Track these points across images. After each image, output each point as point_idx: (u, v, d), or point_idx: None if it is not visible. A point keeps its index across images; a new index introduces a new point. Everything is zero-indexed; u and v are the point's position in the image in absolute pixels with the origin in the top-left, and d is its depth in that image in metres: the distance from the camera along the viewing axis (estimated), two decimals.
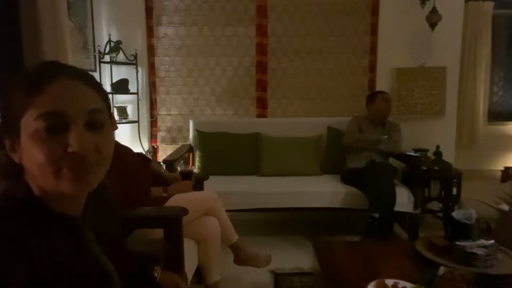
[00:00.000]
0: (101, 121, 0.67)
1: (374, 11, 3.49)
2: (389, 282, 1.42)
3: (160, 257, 1.45)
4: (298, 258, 2.48)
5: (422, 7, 3.26)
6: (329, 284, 1.56)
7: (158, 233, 1.63)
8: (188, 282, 1.66)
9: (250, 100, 3.64)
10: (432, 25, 3.23)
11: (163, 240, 1.59)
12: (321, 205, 2.74)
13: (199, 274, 1.94)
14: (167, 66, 3.63)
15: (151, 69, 3.61)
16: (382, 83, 3.48)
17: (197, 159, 3.24)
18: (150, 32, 3.57)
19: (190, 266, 1.72)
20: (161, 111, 3.69)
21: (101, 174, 0.68)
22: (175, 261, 1.57)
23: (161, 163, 2.63)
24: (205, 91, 3.65)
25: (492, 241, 1.62)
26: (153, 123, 3.68)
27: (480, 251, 1.55)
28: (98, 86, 0.70)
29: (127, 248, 0.88)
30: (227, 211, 2.13)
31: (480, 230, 1.71)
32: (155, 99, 3.64)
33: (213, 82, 3.63)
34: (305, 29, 3.54)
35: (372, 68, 3.55)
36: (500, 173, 3.34)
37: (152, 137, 3.69)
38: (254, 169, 3.16)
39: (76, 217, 0.70)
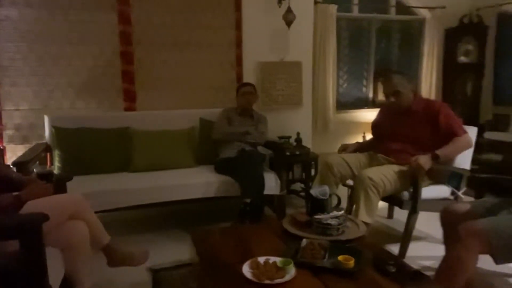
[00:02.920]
0: None
1: (238, 7, 3.64)
2: (262, 259, 1.55)
3: (15, 273, 1.28)
4: (176, 251, 2.48)
5: (279, 6, 3.55)
6: (207, 270, 1.62)
7: (12, 245, 1.42)
8: None
9: (116, 92, 3.42)
10: (288, 24, 3.56)
11: (19, 252, 1.39)
12: (196, 196, 2.77)
13: (67, 284, 1.77)
14: (11, 54, 3.13)
15: None
16: (249, 76, 3.68)
17: (56, 158, 2.90)
18: None
19: (55, 277, 1.56)
20: (7, 106, 3.17)
21: None
22: (36, 274, 1.40)
23: (11, 166, 2.28)
24: (61, 83, 3.27)
25: (342, 212, 1.91)
26: None
27: (333, 222, 1.82)
28: None
29: None
30: (98, 212, 1.98)
31: (333, 204, 1.99)
32: None
33: (70, 72, 3.28)
34: (171, 20, 3.48)
35: (239, 61, 3.71)
36: None
37: None
38: (125, 166, 3.00)
39: None
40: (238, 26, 3.66)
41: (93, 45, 3.30)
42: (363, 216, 2.25)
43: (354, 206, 2.37)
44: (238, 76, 3.73)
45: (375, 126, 2.88)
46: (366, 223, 2.08)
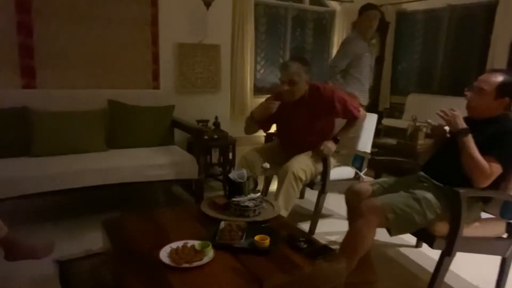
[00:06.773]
0: None
1: None
2: (180, 243, 1.54)
3: None
4: (87, 240, 2.33)
5: None
6: (122, 259, 1.56)
7: None
8: None
9: (12, 67, 3.02)
10: (207, 4, 3.49)
11: None
12: (106, 182, 2.60)
13: None
14: None
15: None
16: (166, 57, 3.55)
17: None
18: None
19: None
20: None
21: None
22: None
23: None
24: None
25: (259, 194, 1.98)
26: None
27: (250, 204, 1.88)
28: None
29: None
30: None
31: (250, 186, 2.05)
32: None
33: None
34: None
35: (155, 41, 3.55)
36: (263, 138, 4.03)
37: None
38: (25, 150, 2.70)
39: None
40: (154, 2, 3.48)
41: None
42: (281, 210, 2.24)
43: (274, 196, 2.42)
44: (154, 56, 3.56)
45: (271, 120, 2.71)
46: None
